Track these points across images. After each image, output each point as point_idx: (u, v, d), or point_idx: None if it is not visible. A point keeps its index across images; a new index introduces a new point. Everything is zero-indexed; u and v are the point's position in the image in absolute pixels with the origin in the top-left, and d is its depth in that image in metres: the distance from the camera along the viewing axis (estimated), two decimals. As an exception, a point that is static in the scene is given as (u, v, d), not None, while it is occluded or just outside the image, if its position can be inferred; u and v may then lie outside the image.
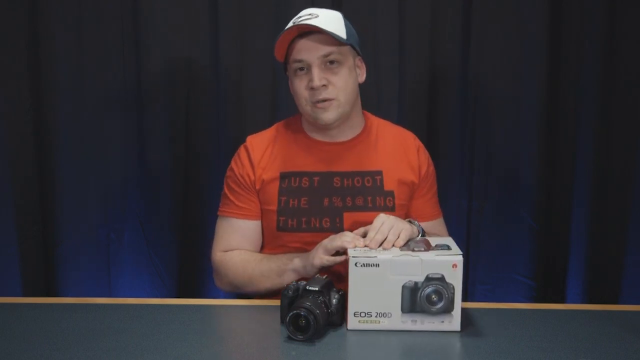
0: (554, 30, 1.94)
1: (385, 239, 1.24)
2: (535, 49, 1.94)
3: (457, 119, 2.00)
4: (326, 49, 1.37)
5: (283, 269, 1.35)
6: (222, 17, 1.92)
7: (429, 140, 1.97)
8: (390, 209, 1.44)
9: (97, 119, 1.96)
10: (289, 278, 1.33)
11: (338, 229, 1.42)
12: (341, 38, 1.37)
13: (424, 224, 1.42)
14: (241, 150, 1.50)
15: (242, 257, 1.43)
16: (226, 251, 1.46)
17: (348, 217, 1.43)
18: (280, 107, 1.96)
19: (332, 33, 1.35)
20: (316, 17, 1.37)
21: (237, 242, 1.46)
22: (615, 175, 1.99)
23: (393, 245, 1.23)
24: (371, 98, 1.91)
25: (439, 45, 1.98)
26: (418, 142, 1.56)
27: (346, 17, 1.46)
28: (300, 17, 1.40)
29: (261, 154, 1.47)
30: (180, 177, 2.01)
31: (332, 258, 1.27)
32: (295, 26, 1.36)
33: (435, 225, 1.55)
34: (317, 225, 1.42)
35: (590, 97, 1.95)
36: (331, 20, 1.39)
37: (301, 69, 1.40)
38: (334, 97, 1.39)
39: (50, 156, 1.96)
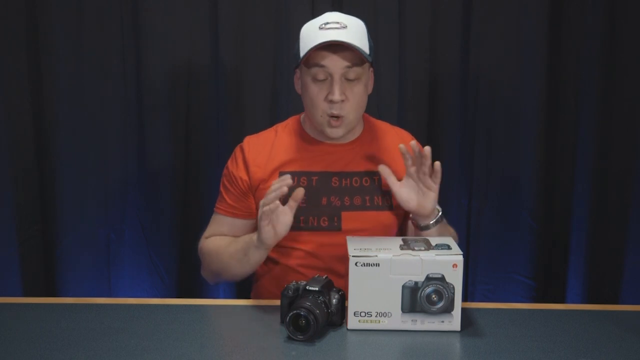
0: (554, 30, 1.95)
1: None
2: (535, 48, 1.94)
3: (457, 118, 2.00)
4: (350, 63, 1.35)
5: (246, 247, 1.33)
6: (222, 18, 1.92)
7: (429, 141, 1.97)
8: (388, 208, 1.45)
9: (97, 119, 1.96)
10: (253, 255, 1.32)
11: (336, 227, 1.42)
12: (367, 56, 1.36)
13: None
14: (237, 150, 1.50)
15: (215, 243, 1.45)
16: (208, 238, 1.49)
17: (346, 216, 1.43)
18: (280, 108, 1.96)
19: (363, 51, 1.34)
20: (344, 27, 1.35)
21: (222, 233, 1.48)
22: (615, 175, 1.99)
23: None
24: (371, 98, 1.91)
25: (439, 45, 1.98)
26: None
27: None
28: (327, 23, 1.36)
29: (257, 153, 1.47)
30: (180, 177, 2.01)
31: (270, 206, 1.23)
32: (327, 43, 1.32)
33: None
34: (315, 224, 1.43)
35: (590, 97, 1.95)
36: (357, 34, 1.37)
37: (320, 75, 1.37)
38: (345, 114, 1.39)
39: (50, 156, 1.96)
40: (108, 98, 1.96)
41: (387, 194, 1.45)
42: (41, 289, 2.01)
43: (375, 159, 1.48)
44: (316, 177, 1.45)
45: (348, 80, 1.37)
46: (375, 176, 1.46)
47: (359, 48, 1.34)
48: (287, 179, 1.24)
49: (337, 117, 1.38)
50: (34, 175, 1.97)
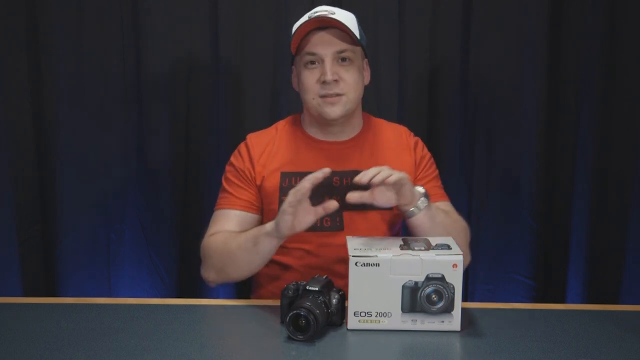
0: (554, 30, 1.95)
1: (376, 174, 1.24)
2: (535, 48, 1.94)
3: (457, 118, 2.00)
4: (341, 45, 1.40)
5: (257, 235, 1.31)
6: (222, 18, 1.92)
7: (429, 140, 1.96)
8: (390, 207, 1.44)
9: (97, 119, 1.96)
10: (263, 245, 1.30)
11: (338, 227, 1.43)
12: (356, 37, 1.41)
13: None
14: (241, 146, 1.52)
15: (224, 236, 1.41)
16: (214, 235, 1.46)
17: (348, 216, 1.43)
18: (280, 108, 1.96)
19: (351, 30, 1.39)
20: (333, 14, 1.40)
21: (229, 228, 1.44)
22: (615, 175, 1.99)
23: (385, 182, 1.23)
24: (371, 98, 1.91)
25: (439, 45, 1.98)
26: (413, 138, 1.56)
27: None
28: (316, 12, 1.42)
29: (261, 151, 1.49)
30: (181, 176, 2.01)
31: (295, 197, 1.22)
32: (316, 18, 1.38)
33: (442, 206, 1.49)
34: (318, 224, 1.40)
35: (590, 97, 1.95)
36: (347, 20, 1.41)
37: (312, 62, 1.41)
38: (344, 92, 1.41)
39: (50, 156, 1.96)
40: (108, 98, 1.96)
41: None
42: (41, 289, 2.00)
43: (376, 156, 1.48)
44: None
45: (341, 62, 1.40)
46: None
47: (348, 26, 1.38)
48: (327, 170, 1.23)
49: (333, 95, 1.40)
50: (34, 175, 1.97)
